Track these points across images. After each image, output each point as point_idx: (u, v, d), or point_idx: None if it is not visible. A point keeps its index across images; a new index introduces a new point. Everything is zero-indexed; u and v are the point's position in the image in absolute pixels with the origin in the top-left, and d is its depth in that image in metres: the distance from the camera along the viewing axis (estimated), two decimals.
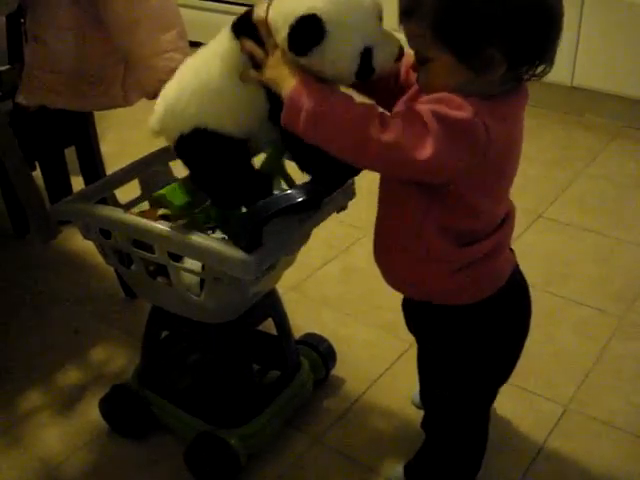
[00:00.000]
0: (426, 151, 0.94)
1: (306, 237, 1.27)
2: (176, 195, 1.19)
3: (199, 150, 1.13)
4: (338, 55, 1.00)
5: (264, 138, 1.15)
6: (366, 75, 1.03)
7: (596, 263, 1.97)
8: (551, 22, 0.98)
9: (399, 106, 1.08)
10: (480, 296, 1.12)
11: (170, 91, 1.15)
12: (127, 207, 1.32)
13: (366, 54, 1.01)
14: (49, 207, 1.54)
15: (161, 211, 1.28)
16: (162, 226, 1.16)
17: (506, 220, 1.13)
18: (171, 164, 1.39)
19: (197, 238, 1.13)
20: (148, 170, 1.38)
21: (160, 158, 1.38)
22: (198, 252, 1.13)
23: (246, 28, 1.06)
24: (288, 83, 1.00)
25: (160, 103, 1.16)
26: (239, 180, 1.15)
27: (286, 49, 1.00)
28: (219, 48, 1.10)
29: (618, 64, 2.57)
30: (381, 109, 1.01)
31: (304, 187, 1.08)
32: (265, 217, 1.05)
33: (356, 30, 0.99)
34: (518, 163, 1.08)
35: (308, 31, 0.97)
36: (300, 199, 1.05)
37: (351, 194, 1.26)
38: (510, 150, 1.05)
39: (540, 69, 1.01)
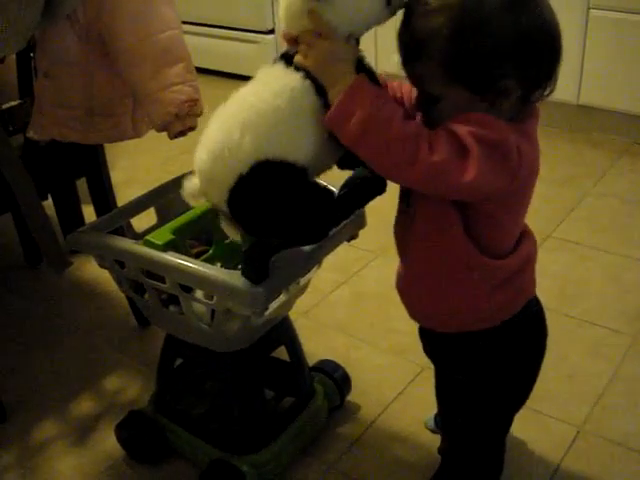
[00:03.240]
0: (469, 174, 0.94)
1: (317, 265, 1.28)
2: (160, 235, 1.22)
3: (264, 187, 1.01)
4: None
5: (321, 165, 1.07)
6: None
7: (607, 282, 1.96)
8: (554, 44, 1.00)
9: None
10: (513, 311, 1.12)
11: (211, 138, 1.05)
12: (143, 236, 1.34)
13: None
14: (64, 239, 1.55)
15: (195, 250, 1.31)
16: (172, 257, 1.18)
17: (527, 235, 1.14)
18: None
19: (205, 270, 1.14)
20: (161, 199, 1.40)
21: (175, 186, 1.39)
22: (206, 284, 1.14)
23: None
24: (341, 82, 0.97)
25: (201, 158, 1.06)
26: (314, 207, 1.05)
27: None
28: (267, 77, 1.03)
29: (623, 81, 2.58)
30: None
31: None
32: (272, 249, 1.05)
33: None
34: (536, 180, 1.10)
35: None
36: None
37: (362, 223, 1.26)
38: (534, 169, 1.05)
39: (548, 90, 1.03)
